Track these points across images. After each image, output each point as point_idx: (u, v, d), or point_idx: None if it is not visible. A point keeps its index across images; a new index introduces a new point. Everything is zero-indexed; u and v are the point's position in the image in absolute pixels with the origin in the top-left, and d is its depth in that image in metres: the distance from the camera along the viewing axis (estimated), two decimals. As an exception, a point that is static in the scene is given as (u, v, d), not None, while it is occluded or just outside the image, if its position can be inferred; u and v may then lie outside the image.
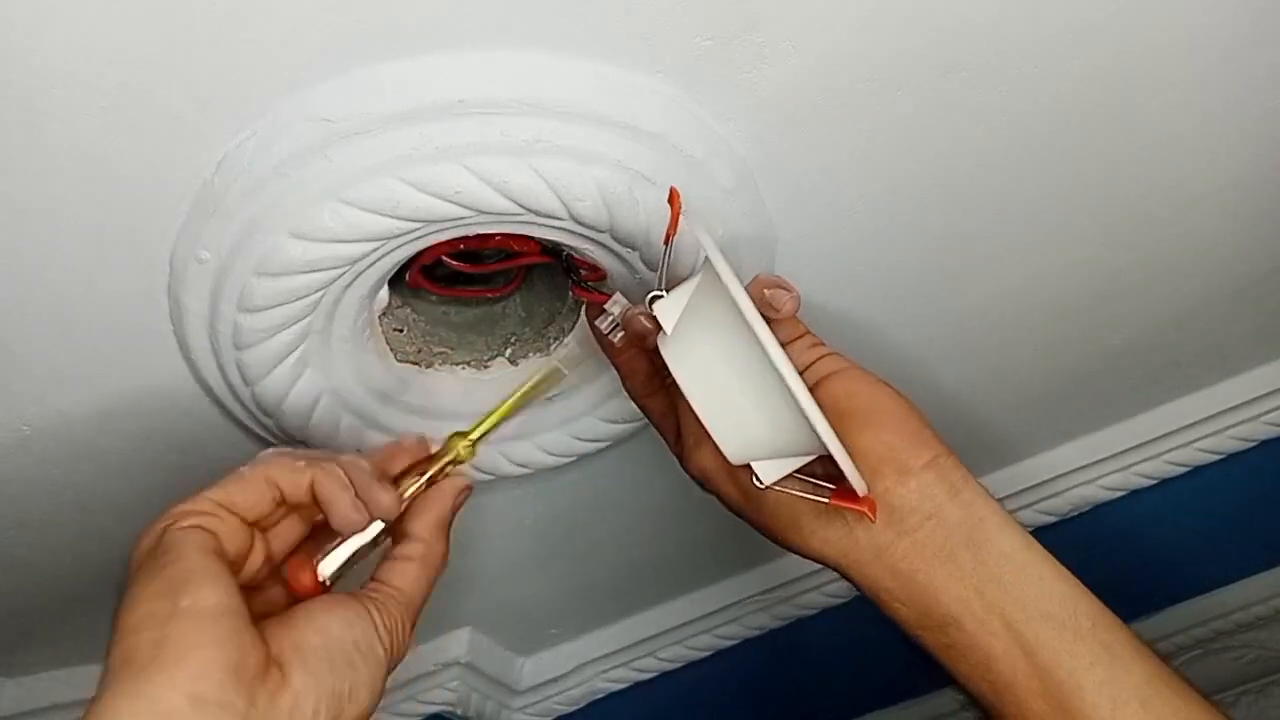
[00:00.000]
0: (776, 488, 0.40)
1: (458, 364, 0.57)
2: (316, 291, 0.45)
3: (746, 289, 0.42)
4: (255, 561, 0.38)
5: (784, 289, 0.43)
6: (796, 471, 0.40)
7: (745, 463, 0.40)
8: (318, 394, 0.51)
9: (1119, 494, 0.82)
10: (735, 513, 0.45)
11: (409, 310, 0.56)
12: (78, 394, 0.51)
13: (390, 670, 0.38)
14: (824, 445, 0.36)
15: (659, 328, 0.41)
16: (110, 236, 0.44)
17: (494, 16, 0.39)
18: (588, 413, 0.59)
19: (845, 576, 0.42)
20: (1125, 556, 0.86)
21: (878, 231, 0.55)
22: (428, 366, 0.57)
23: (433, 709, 0.84)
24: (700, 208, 0.47)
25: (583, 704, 0.93)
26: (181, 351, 0.50)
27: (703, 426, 0.39)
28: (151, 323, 0.48)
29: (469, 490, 0.43)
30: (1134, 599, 0.93)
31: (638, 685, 0.93)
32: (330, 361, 0.51)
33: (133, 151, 0.41)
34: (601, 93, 0.43)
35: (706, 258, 0.38)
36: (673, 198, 0.42)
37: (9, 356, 0.48)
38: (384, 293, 0.51)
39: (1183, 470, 0.81)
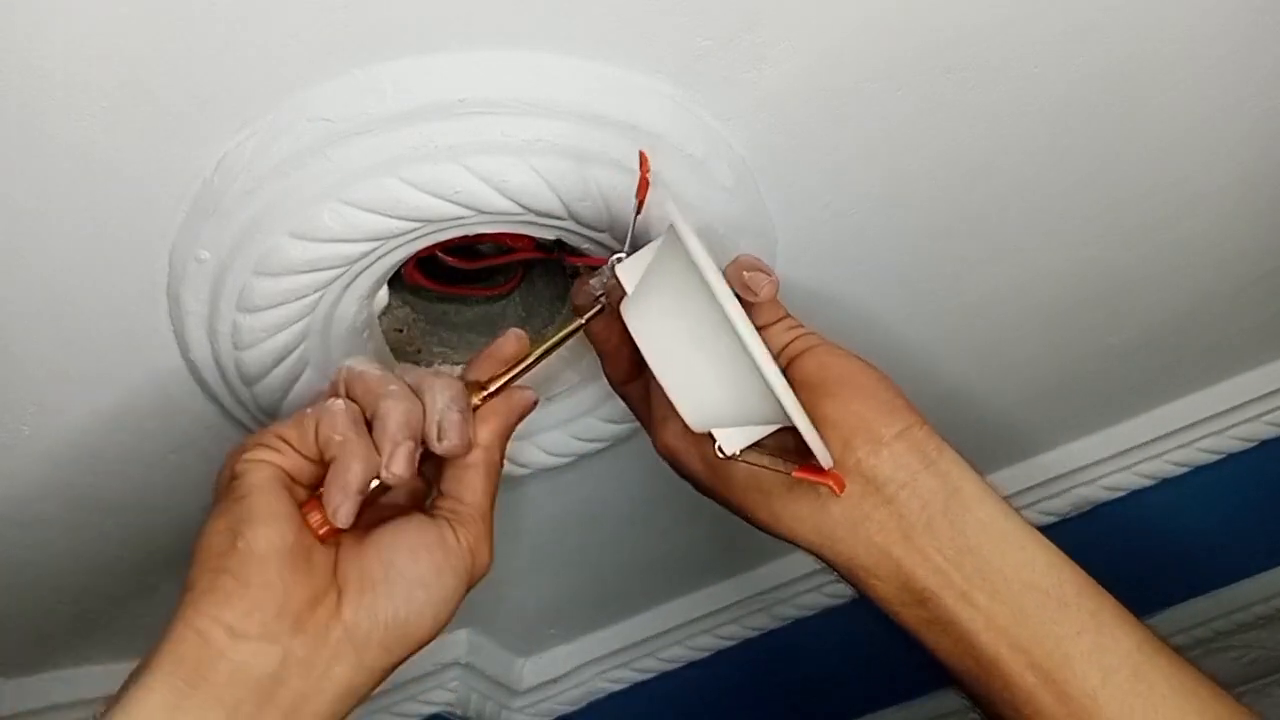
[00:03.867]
0: (740, 459, 0.39)
1: (458, 364, 0.57)
2: (316, 291, 0.46)
3: (725, 270, 0.42)
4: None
5: (763, 272, 0.42)
6: (762, 442, 0.39)
7: (707, 430, 0.39)
8: (317, 394, 0.51)
9: (1119, 494, 0.82)
10: (705, 493, 0.44)
11: (409, 310, 0.56)
12: (77, 394, 0.51)
13: (473, 583, 0.39)
14: (787, 414, 0.35)
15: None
16: (110, 236, 0.44)
17: (494, 16, 0.39)
18: (588, 413, 0.59)
19: (820, 556, 0.41)
20: (1125, 556, 0.86)
21: (878, 231, 0.55)
22: (428, 366, 0.57)
23: (433, 709, 0.84)
24: (700, 208, 0.47)
25: (582, 704, 0.93)
26: (181, 351, 0.50)
27: (669, 400, 0.38)
28: (151, 323, 0.48)
29: (535, 404, 0.44)
30: (1134, 599, 0.93)
31: (638, 686, 0.93)
32: (330, 361, 0.51)
33: (132, 151, 0.41)
34: (601, 93, 0.43)
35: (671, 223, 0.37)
36: (641, 162, 0.41)
37: (8, 357, 0.48)
38: (383, 292, 0.51)
39: (1183, 470, 0.81)
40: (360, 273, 0.46)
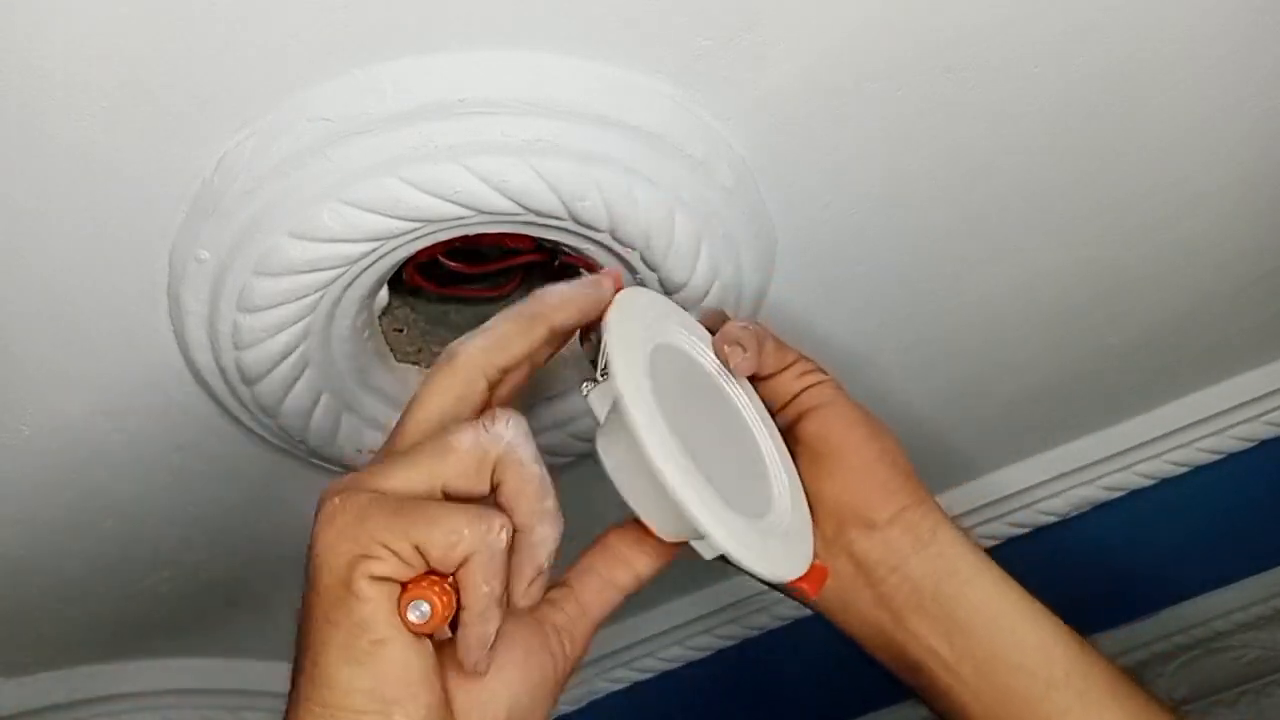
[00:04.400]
0: (718, 561, 0.39)
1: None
2: (316, 291, 0.46)
3: (715, 341, 0.42)
4: None
5: (739, 345, 0.41)
6: None
7: (681, 541, 0.39)
8: (318, 394, 0.51)
9: (1119, 494, 0.82)
10: None
11: (409, 310, 0.56)
12: (77, 394, 0.51)
13: (568, 677, 0.36)
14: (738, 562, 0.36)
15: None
16: (110, 236, 0.44)
17: (494, 16, 0.39)
18: (588, 412, 0.59)
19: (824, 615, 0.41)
20: (1125, 556, 0.86)
21: (878, 231, 0.55)
22: (428, 366, 0.57)
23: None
24: (700, 208, 0.47)
25: (582, 704, 0.93)
26: (181, 351, 0.50)
27: None
28: (151, 322, 0.48)
29: (671, 555, 0.40)
30: (1134, 599, 0.93)
31: (637, 685, 0.93)
32: (330, 362, 0.51)
33: (132, 151, 0.41)
34: (601, 93, 0.43)
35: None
36: (615, 282, 0.41)
37: (8, 357, 0.48)
38: (384, 292, 0.51)
39: (1183, 470, 0.81)
40: (361, 273, 0.46)
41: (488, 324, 0.37)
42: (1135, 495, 0.82)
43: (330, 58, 0.40)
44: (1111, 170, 0.54)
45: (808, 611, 0.88)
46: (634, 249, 0.47)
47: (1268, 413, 0.78)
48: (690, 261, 0.48)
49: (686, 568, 0.84)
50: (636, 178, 0.45)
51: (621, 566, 0.38)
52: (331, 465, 0.57)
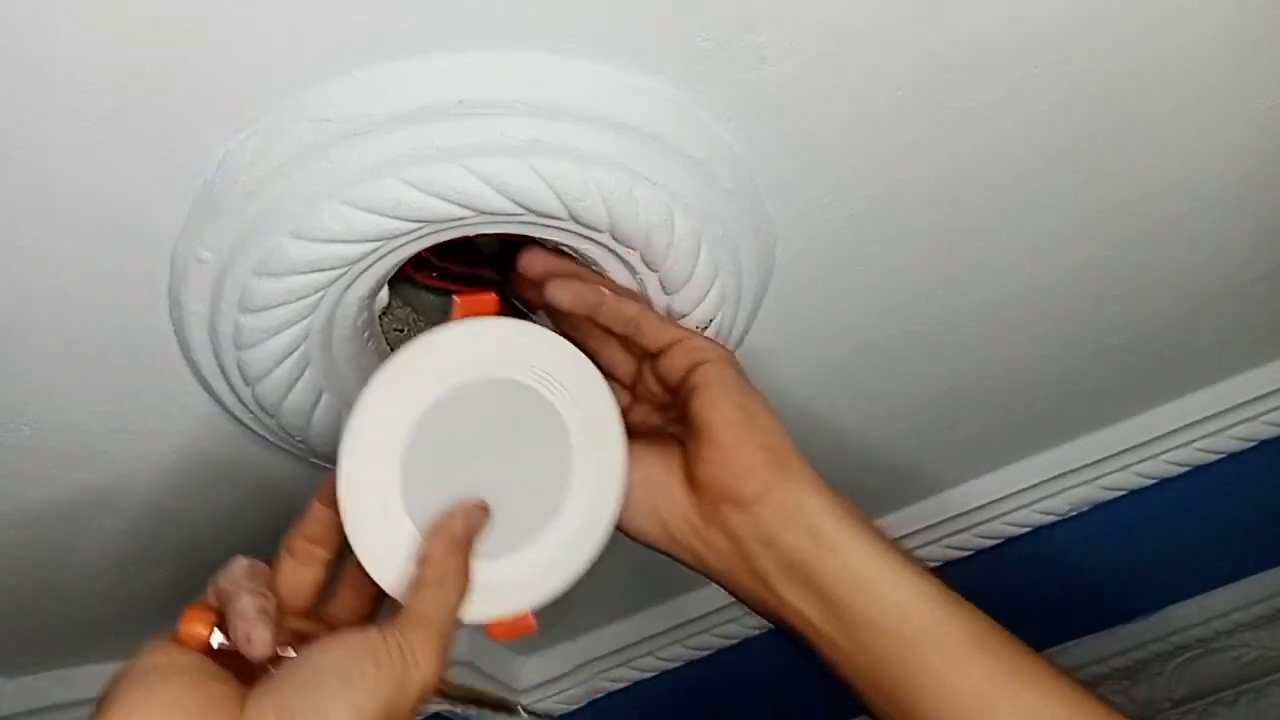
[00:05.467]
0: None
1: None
2: (317, 292, 0.46)
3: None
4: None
5: (568, 280, 0.45)
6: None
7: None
8: (318, 393, 0.51)
9: (1118, 493, 0.82)
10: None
11: (409, 310, 0.56)
12: (78, 394, 0.51)
13: (410, 686, 0.37)
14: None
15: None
16: (111, 237, 0.44)
17: (494, 16, 0.39)
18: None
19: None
20: (1125, 556, 0.87)
21: (878, 231, 0.55)
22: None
23: (433, 708, 0.84)
24: (700, 208, 0.47)
25: (582, 703, 0.93)
26: (182, 351, 0.50)
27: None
28: (152, 323, 0.48)
29: (485, 511, 0.43)
30: (1134, 599, 0.93)
31: (637, 684, 0.93)
32: (331, 361, 0.51)
33: (133, 152, 0.41)
34: (601, 93, 0.43)
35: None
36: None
37: (9, 357, 0.48)
38: (384, 293, 0.51)
39: (1183, 470, 0.81)
40: (361, 273, 0.46)
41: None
42: (1135, 495, 0.82)
43: (330, 58, 0.40)
44: (1111, 171, 0.54)
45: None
46: (634, 249, 0.47)
47: (1267, 413, 0.78)
48: (690, 261, 0.48)
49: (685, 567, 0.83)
50: (636, 178, 0.45)
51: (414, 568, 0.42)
52: (331, 464, 0.57)
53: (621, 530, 0.46)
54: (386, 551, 0.41)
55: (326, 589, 0.43)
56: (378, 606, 0.43)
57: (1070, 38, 0.46)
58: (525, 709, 0.46)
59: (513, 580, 0.44)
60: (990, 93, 0.47)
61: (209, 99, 0.40)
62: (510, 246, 0.53)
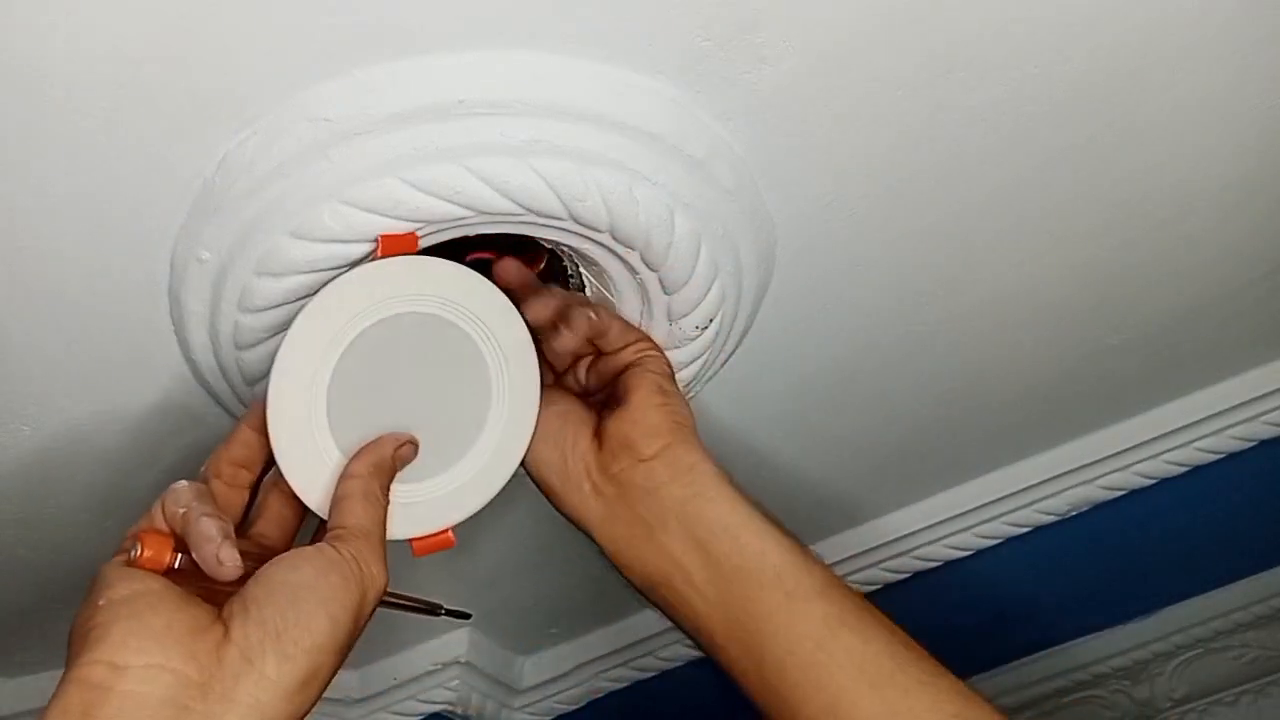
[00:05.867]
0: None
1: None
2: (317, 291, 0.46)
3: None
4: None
5: (567, 329, 0.48)
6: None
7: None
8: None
9: (1118, 493, 0.82)
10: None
11: (409, 310, 0.56)
12: (78, 394, 0.51)
13: (367, 592, 0.39)
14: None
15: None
16: (111, 236, 0.44)
17: (494, 16, 0.39)
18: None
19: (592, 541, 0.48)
20: (1124, 556, 0.87)
21: (878, 231, 0.55)
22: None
23: (433, 708, 0.85)
24: (700, 208, 0.47)
25: (582, 703, 0.93)
26: (182, 351, 0.50)
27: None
28: (152, 322, 0.48)
29: (414, 447, 0.46)
30: (1133, 598, 0.93)
31: (638, 684, 0.93)
32: (331, 361, 0.51)
33: (133, 151, 0.41)
34: (601, 93, 0.43)
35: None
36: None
37: (9, 357, 0.48)
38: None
39: (1182, 470, 0.81)
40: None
41: None
42: (1135, 495, 0.82)
43: (330, 58, 0.40)
44: (1111, 171, 0.54)
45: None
46: (634, 249, 0.47)
47: (1267, 413, 0.78)
48: (690, 261, 0.48)
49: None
50: (636, 178, 0.45)
51: (342, 481, 0.43)
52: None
53: (556, 508, 0.50)
54: (313, 473, 0.44)
55: (248, 511, 0.45)
56: (299, 527, 0.45)
57: (1070, 38, 0.46)
58: (445, 609, 0.50)
59: (433, 500, 0.47)
60: (990, 93, 0.47)
61: (209, 99, 0.40)
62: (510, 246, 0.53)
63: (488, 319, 0.47)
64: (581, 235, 0.47)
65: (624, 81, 0.43)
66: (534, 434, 0.48)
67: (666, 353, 0.51)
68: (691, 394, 0.57)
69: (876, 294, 0.60)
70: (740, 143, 0.47)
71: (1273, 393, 0.77)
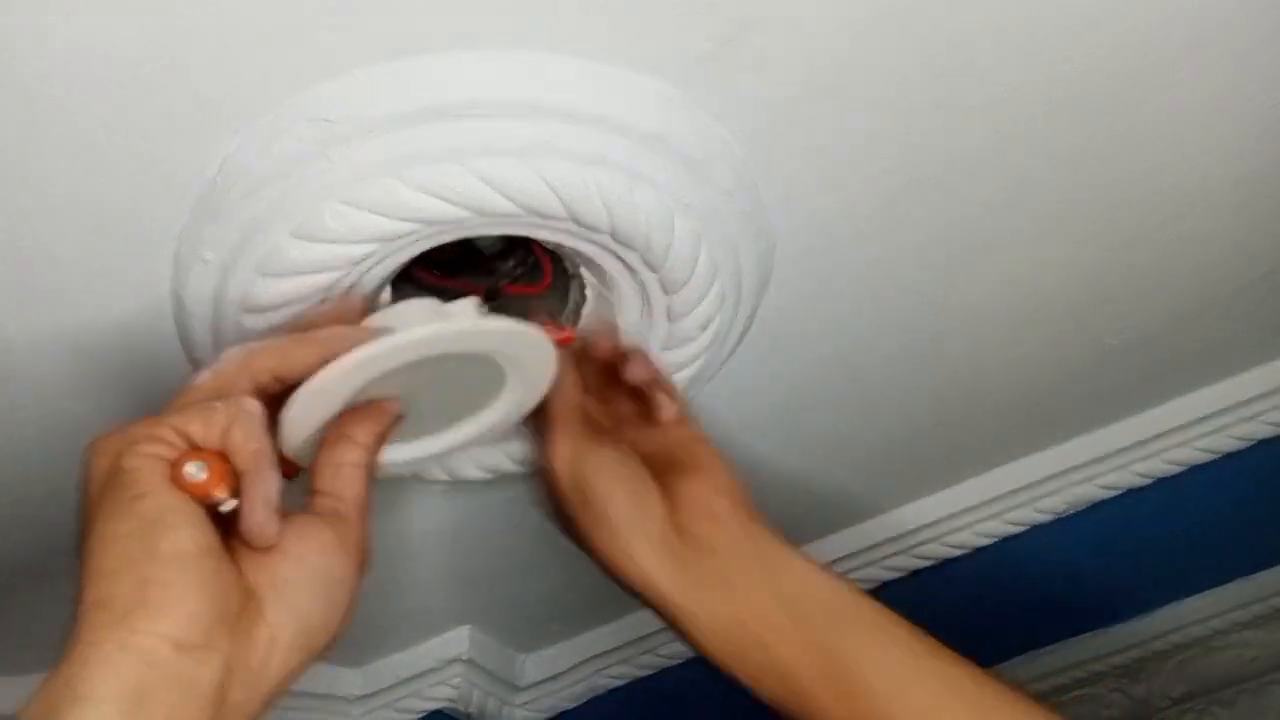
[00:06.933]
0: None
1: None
2: (319, 293, 0.46)
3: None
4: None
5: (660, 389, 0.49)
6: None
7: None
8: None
9: (1116, 492, 0.82)
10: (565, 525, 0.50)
11: (410, 310, 0.56)
12: (80, 394, 0.51)
13: (360, 573, 0.38)
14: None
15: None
16: (112, 237, 0.44)
17: (494, 17, 0.39)
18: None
19: (650, 602, 0.46)
20: (1123, 555, 0.86)
21: (878, 231, 0.55)
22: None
23: (434, 705, 0.85)
24: (700, 208, 0.47)
25: (584, 700, 0.93)
26: (185, 351, 0.50)
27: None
28: (154, 323, 0.48)
29: (399, 417, 0.43)
30: (1133, 598, 0.93)
31: (639, 681, 0.93)
32: (331, 361, 0.51)
33: (134, 152, 0.41)
34: (601, 93, 0.43)
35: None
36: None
37: (11, 357, 0.48)
38: (386, 294, 0.51)
39: (1181, 470, 0.81)
40: (363, 274, 0.47)
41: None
42: (1134, 494, 0.82)
43: (330, 58, 0.40)
44: (1110, 171, 0.54)
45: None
46: (634, 250, 0.47)
47: (1265, 412, 0.78)
48: (690, 261, 0.48)
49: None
50: (636, 178, 0.45)
51: (344, 445, 0.40)
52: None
53: (612, 569, 0.48)
54: (304, 426, 0.41)
55: None
56: None
57: (1070, 38, 0.46)
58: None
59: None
60: (990, 93, 0.47)
61: (209, 99, 0.40)
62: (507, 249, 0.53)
63: (526, 361, 0.46)
64: (581, 236, 0.47)
65: (624, 82, 0.43)
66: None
67: (666, 353, 0.52)
68: (691, 394, 0.57)
69: (876, 293, 0.60)
70: (740, 143, 0.47)
71: (1272, 393, 0.77)
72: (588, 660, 0.91)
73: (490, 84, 0.41)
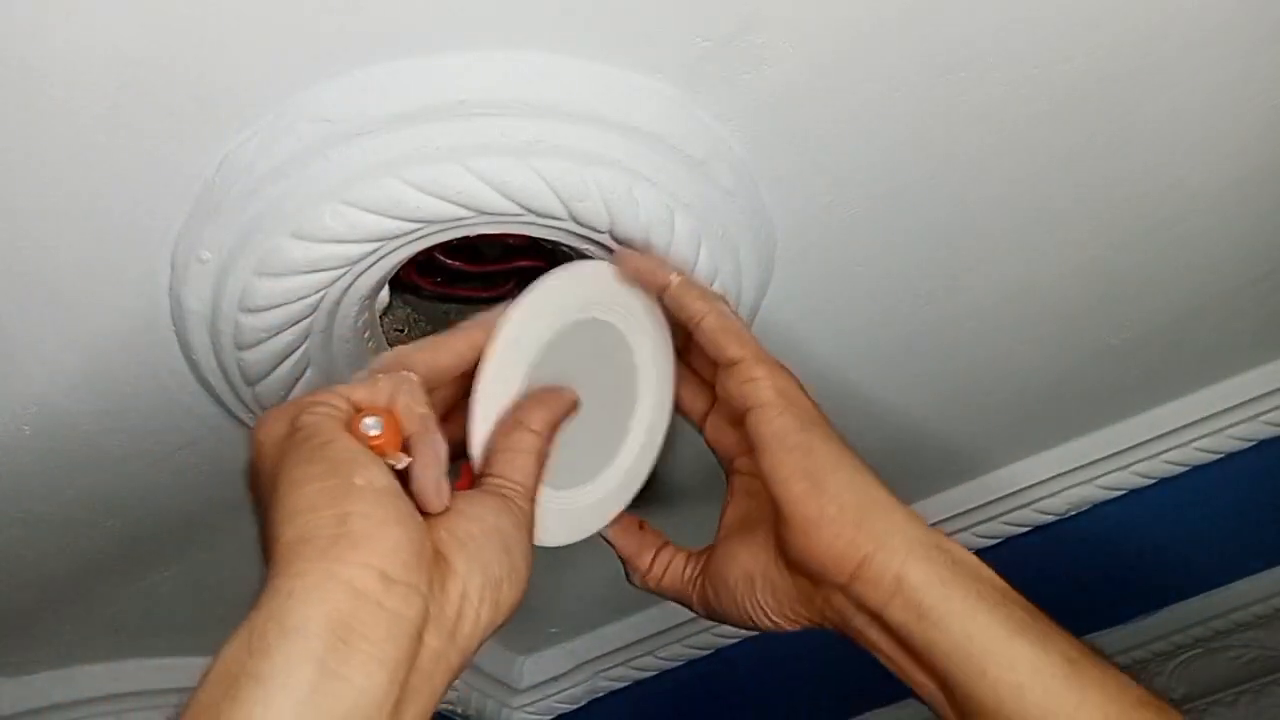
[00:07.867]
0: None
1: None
2: (317, 292, 0.46)
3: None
4: None
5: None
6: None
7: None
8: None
9: (1117, 493, 0.82)
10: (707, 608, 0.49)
11: (410, 310, 0.56)
12: (78, 394, 0.51)
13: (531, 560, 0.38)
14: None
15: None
16: (111, 237, 0.44)
17: (494, 16, 0.39)
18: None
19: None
20: (1124, 556, 0.87)
21: (878, 232, 0.55)
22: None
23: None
24: (700, 208, 0.47)
25: (583, 702, 0.93)
26: (183, 351, 0.50)
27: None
28: (152, 323, 0.48)
29: (575, 404, 0.44)
30: (1133, 598, 0.93)
31: (637, 684, 0.93)
32: (331, 362, 0.51)
33: (134, 152, 0.41)
34: (601, 93, 0.43)
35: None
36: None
37: (9, 357, 0.48)
38: (385, 293, 0.51)
39: (1181, 470, 0.81)
40: (362, 273, 0.46)
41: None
42: (1134, 495, 0.82)
43: (330, 58, 0.40)
44: (1111, 171, 0.54)
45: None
46: (633, 250, 0.47)
47: (1266, 412, 0.78)
48: (690, 262, 0.48)
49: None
50: (636, 178, 0.45)
51: (519, 431, 0.41)
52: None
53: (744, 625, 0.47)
54: (488, 415, 0.42)
55: None
56: None
57: (1070, 38, 0.46)
58: None
59: (579, 510, 0.48)
60: (990, 93, 0.47)
61: (209, 99, 0.40)
62: (511, 250, 0.53)
63: (648, 336, 0.48)
64: (581, 235, 0.47)
65: (624, 81, 0.43)
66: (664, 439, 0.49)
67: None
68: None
69: (876, 294, 0.60)
70: (740, 143, 0.47)
71: (1272, 393, 0.77)
72: (587, 662, 0.91)
73: (490, 84, 0.41)
